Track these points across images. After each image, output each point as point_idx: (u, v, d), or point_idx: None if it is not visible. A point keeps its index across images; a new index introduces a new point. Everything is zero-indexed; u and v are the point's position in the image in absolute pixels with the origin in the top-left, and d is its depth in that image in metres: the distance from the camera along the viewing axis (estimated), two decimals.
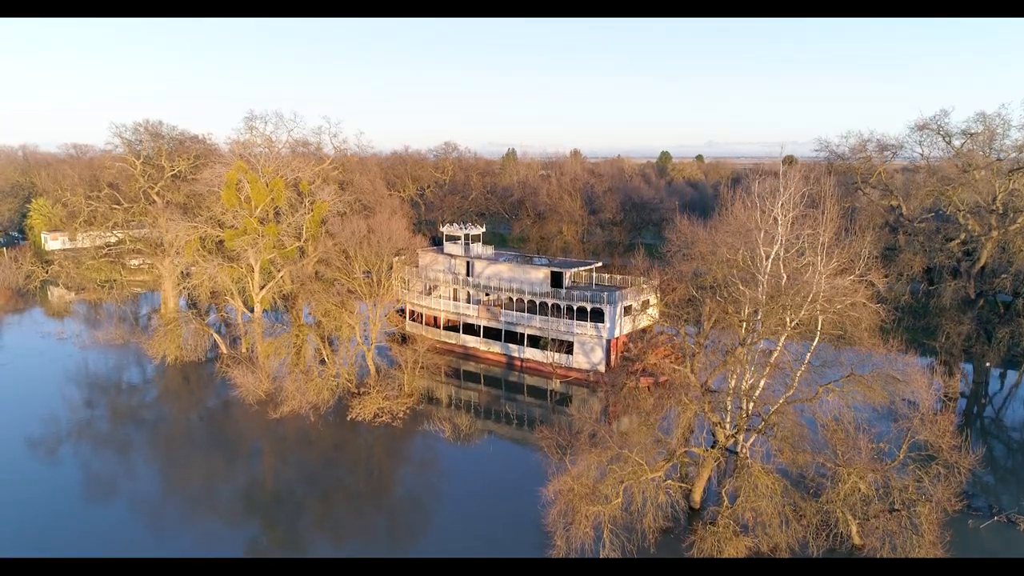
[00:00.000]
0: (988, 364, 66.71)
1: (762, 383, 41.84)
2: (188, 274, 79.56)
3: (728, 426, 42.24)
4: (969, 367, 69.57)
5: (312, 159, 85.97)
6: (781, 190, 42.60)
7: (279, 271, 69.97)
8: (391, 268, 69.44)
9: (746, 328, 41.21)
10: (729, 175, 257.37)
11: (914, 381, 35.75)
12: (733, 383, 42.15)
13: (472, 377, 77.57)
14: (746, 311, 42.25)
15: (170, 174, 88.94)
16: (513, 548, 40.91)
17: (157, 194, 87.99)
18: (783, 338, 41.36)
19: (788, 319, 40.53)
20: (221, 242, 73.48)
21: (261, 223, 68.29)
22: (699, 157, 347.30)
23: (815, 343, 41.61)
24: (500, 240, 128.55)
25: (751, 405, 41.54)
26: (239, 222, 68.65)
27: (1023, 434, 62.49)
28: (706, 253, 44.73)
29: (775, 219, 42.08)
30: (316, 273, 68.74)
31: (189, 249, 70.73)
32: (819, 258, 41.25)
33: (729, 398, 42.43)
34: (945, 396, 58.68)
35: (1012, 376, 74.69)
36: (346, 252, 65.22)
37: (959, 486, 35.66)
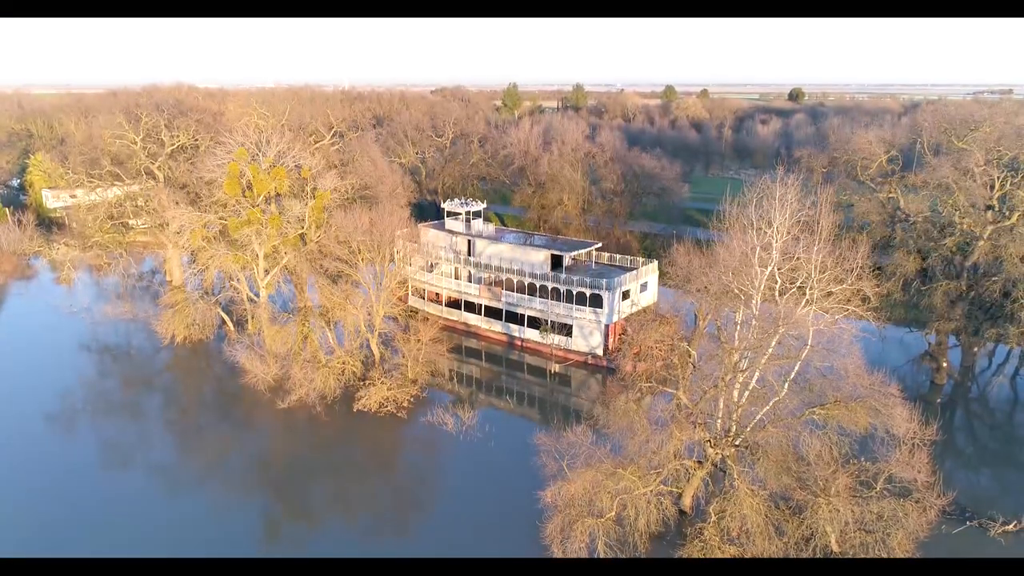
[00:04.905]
0: (976, 350, 68.35)
1: (745, 396, 43.56)
2: (194, 260, 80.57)
3: (717, 443, 44.13)
4: (957, 351, 71.27)
5: (312, 137, 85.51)
6: (776, 213, 43.22)
7: (283, 257, 70.92)
8: (393, 259, 70.35)
9: (737, 353, 42.61)
10: (733, 113, 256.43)
11: (895, 416, 37.39)
12: (723, 404, 43.82)
13: (474, 354, 79.62)
14: (738, 336, 43.57)
15: (171, 148, 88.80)
16: (512, 529, 45.18)
17: (158, 168, 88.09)
18: (774, 340, 42.74)
19: (780, 326, 41.86)
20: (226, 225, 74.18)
21: (263, 212, 68.87)
22: (704, 92, 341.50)
23: (804, 354, 42.95)
24: (502, 199, 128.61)
25: (736, 422, 43.37)
26: (243, 209, 69.24)
27: (1003, 419, 64.74)
28: (702, 287, 46.02)
29: (770, 242, 42.86)
30: (321, 266, 69.68)
31: (195, 237, 71.48)
32: (813, 272, 42.41)
33: (719, 421, 44.26)
34: (929, 384, 60.90)
35: (999, 355, 76.64)
36: (349, 245, 66.14)
37: (930, 523, 37.84)
